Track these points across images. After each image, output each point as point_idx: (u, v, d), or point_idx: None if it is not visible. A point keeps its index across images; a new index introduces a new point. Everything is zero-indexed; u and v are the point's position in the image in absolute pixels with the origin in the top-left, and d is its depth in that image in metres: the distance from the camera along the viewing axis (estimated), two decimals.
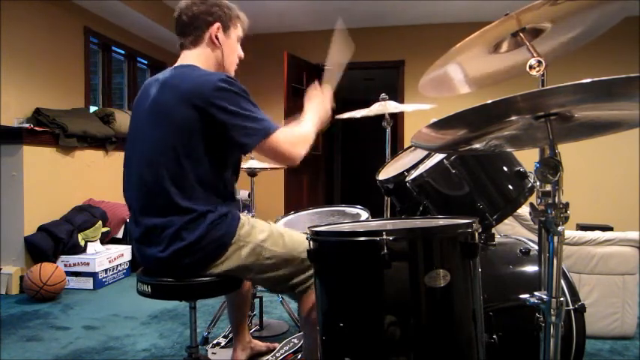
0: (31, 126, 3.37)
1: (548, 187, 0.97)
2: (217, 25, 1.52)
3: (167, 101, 1.38)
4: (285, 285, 1.50)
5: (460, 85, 1.43)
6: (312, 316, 1.40)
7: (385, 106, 2.31)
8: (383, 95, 2.40)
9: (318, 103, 1.58)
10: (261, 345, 2.09)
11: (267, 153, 1.40)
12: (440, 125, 0.99)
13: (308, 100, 1.59)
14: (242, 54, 1.65)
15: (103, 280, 3.47)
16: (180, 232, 1.36)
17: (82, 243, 3.52)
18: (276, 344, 2.11)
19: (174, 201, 1.36)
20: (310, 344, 1.51)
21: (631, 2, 1.11)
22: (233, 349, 2.00)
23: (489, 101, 0.84)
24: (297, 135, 1.45)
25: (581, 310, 1.39)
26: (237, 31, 1.59)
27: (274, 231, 1.50)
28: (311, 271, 1.44)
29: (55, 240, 3.35)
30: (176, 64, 1.52)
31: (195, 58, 1.52)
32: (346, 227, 1.39)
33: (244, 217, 1.49)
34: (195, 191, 1.37)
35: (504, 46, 1.21)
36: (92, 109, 4.31)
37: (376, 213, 2.13)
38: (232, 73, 1.59)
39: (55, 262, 3.31)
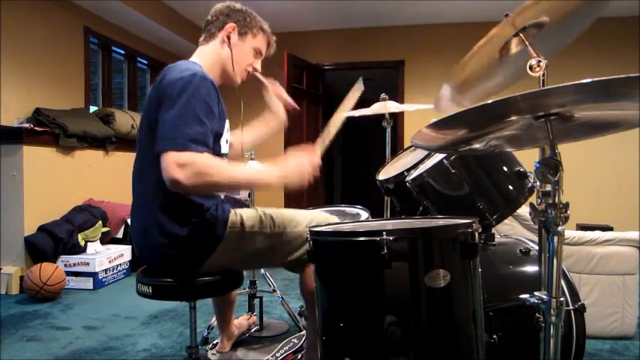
0: (31, 126, 3.37)
1: (548, 187, 0.97)
2: (232, 25, 1.54)
3: (148, 99, 1.41)
4: (284, 262, 1.52)
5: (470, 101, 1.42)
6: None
7: (385, 106, 2.31)
8: (383, 95, 2.40)
9: (294, 171, 1.37)
10: (242, 324, 2.25)
11: (162, 167, 1.24)
12: (440, 125, 0.99)
13: (290, 158, 1.39)
14: (258, 67, 1.62)
15: (103, 280, 3.47)
16: (171, 229, 1.37)
17: (82, 243, 3.51)
18: (254, 316, 2.35)
19: (162, 198, 1.37)
20: (313, 327, 1.52)
21: None
22: (220, 340, 2.08)
23: (489, 101, 0.84)
24: (212, 171, 1.26)
25: (581, 310, 1.39)
26: (255, 42, 1.59)
27: (262, 215, 1.51)
28: (306, 246, 1.34)
29: (55, 240, 3.35)
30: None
31: (203, 53, 1.55)
32: (346, 227, 1.39)
33: (232, 210, 1.50)
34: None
35: (513, 48, 1.20)
36: (92, 109, 4.31)
37: (376, 213, 2.13)
38: (237, 79, 1.60)
39: (55, 262, 3.31)
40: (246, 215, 1.49)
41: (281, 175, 1.36)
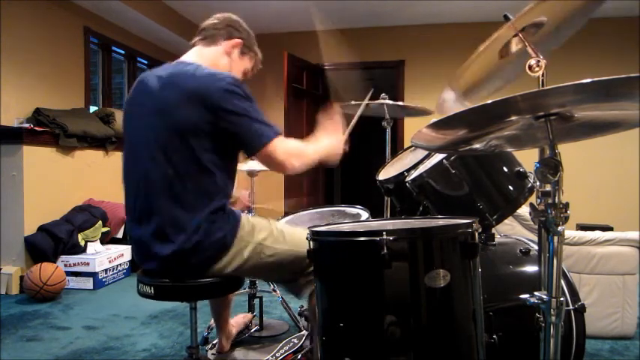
0: (31, 126, 3.37)
1: (548, 187, 0.97)
2: (239, 41, 1.58)
3: (170, 100, 1.37)
4: (291, 281, 1.51)
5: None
6: None
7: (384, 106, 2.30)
8: (383, 95, 2.40)
9: (332, 138, 1.58)
10: (240, 322, 2.26)
11: (263, 158, 1.41)
12: (440, 125, 0.99)
13: (324, 129, 1.60)
14: None
15: (103, 280, 3.47)
16: (181, 234, 1.36)
17: (82, 243, 3.52)
18: (249, 314, 2.36)
19: (176, 202, 1.36)
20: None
21: None
22: (218, 340, 2.07)
23: (489, 101, 0.84)
24: (296, 148, 1.45)
25: (581, 310, 1.39)
26: (249, 64, 1.65)
27: (275, 229, 1.51)
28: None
29: (55, 240, 3.35)
30: (178, 60, 1.51)
31: (205, 56, 1.54)
32: (346, 227, 1.39)
33: (244, 217, 1.49)
34: (197, 192, 1.37)
35: (513, 48, 1.20)
36: (92, 109, 4.31)
37: (376, 213, 2.12)
38: None
39: (55, 262, 3.31)
40: (258, 226, 1.48)
41: (328, 147, 1.56)
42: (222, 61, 1.56)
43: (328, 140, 1.57)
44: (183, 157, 1.36)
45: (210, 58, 1.54)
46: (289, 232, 1.52)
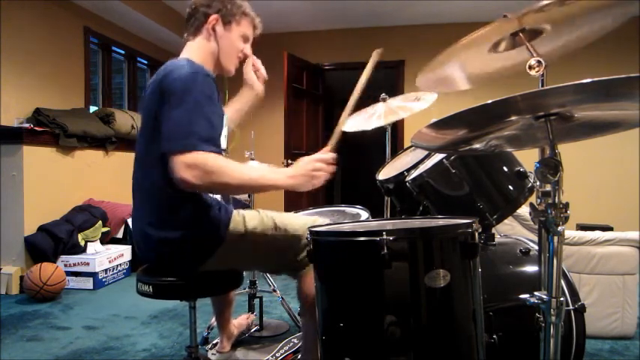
0: (31, 126, 3.37)
1: (548, 187, 0.97)
2: (215, 17, 1.50)
3: (148, 97, 1.38)
4: (284, 265, 1.51)
5: (460, 82, 1.43)
6: (313, 295, 1.31)
7: (387, 106, 2.30)
8: (383, 95, 2.40)
9: (304, 172, 1.37)
10: (241, 323, 2.26)
11: (171, 167, 1.25)
12: (440, 125, 0.99)
13: (301, 160, 1.41)
14: (248, 52, 1.61)
15: (103, 280, 3.47)
16: (173, 229, 1.37)
17: (82, 243, 3.52)
18: (252, 315, 2.36)
19: (164, 199, 1.37)
20: (309, 331, 1.51)
21: (631, 8, 1.09)
22: (220, 340, 2.08)
23: (489, 101, 0.84)
24: (221, 170, 1.25)
25: (581, 310, 1.39)
26: (240, 29, 1.55)
27: (264, 216, 1.51)
28: (305, 250, 1.36)
29: (55, 240, 3.35)
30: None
31: (192, 50, 1.52)
32: (346, 227, 1.39)
33: (235, 210, 1.50)
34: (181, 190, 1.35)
35: (502, 46, 1.21)
36: (92, 109, 4.31)
37: (376, 213, 2.12)
38: (231, 69, 1.58)
39: (55, 262, 3.31)
40: (248, 216, 1.49)
41: (291, 176, 1.36)
42: (212, 45, 1.52)
43: (294, 178, 1.36)
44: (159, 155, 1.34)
45: (199, 50, 1.51)
46: (279, 217, 1.52)
